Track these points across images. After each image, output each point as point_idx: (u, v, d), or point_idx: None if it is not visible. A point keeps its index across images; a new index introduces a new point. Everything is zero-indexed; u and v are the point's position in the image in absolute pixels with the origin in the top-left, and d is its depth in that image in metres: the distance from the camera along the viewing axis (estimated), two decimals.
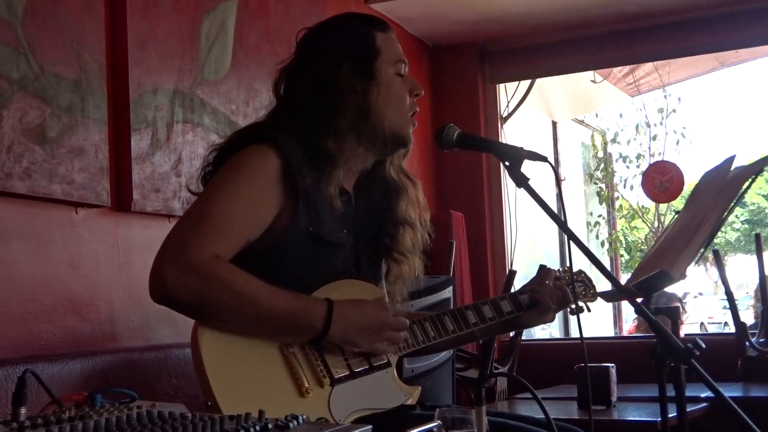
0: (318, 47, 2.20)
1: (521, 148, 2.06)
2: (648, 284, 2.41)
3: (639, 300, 1.90)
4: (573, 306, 2.39)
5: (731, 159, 2.55)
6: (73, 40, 2.73)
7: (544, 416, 1.92)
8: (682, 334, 4.76)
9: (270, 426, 1.38)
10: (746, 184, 2.43)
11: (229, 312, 1.93)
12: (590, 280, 2.57)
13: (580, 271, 2.57)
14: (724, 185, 2.46)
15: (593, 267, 2.12)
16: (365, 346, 2.05)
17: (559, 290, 2.38)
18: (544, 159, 2.05)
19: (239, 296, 1.92)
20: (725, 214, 2.45)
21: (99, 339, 2.79)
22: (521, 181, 2.02)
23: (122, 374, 2.61)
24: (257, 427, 1.35)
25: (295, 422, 1.40)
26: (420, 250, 2.31)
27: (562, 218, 2.03)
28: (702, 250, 2.42)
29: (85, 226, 2.79)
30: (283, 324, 1.97)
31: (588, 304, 2.51)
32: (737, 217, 23.71)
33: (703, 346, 1.80)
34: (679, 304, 7.40)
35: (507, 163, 2.05)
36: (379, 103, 2.13)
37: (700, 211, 2.47)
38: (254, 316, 1.94)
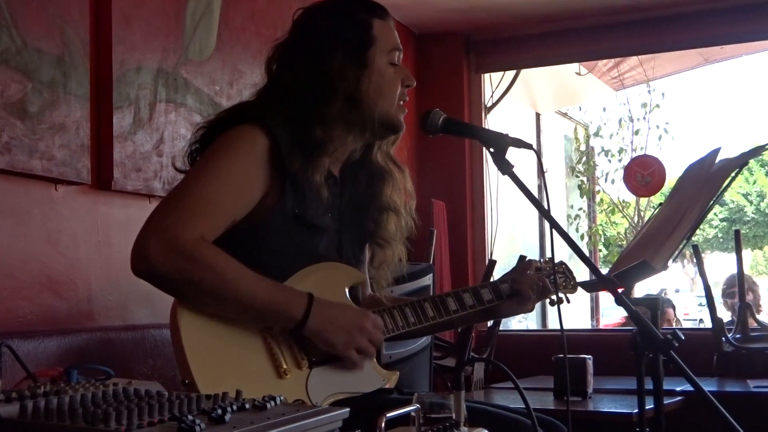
0: (313, 30, 2.17)
1: (506, 135, 2.06)
2: (629, 274, 2.41)
3: (619, 290, 1.90)
4: (553, 297, 2.39)
5: (716, 152, 2.55)
6: (57, 14, 2.70)
7: (521, 405, 1.92)
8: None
9: (247, 406, 1.37)
10: (730, 177, 2.43)
11: (208, 294, 1.91)
12: (570, 272, 2.56)
13: (561, 263, 2.57)
14: (708, 178, 2.46)
15: (574, 257, 2.12)
16: (339, 347, 2.02)
17: (540, 281, 2.38)
18: (529, 146, 2.05)
19: (220, 280, 1.90)
20: (708, 206, 2.45)
21: (76, 317, 2.76)
22: (505, 168, 2.01)
23: (98, 353, 2.59)
24: (234, 407, 1.34)
25: (272, 403, 1.39)
26: (404, 237, 2.30)
27: (545, 207, 2.03)
28: (684, 242, 2.42)
29: (64, 203, 2.76)
30: (261, 312, 1.96)
31: (568, 295, 2.51)
32: (716, 214, 23.87)
33: (683, 337, 1.80)
34: (671, 309, 7.48)
35: (492, 150, 2.05)
36: (369, 92, 2.11)
37: (683, 203, 2.48)
38: (233, 301, 1.93)
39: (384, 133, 2.20)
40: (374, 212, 2.26)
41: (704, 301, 4.41)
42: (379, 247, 2.27)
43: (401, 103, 2.19)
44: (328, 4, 2.23)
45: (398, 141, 2.30)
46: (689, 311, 19.63)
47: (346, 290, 2.14)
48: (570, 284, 2.55)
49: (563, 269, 2.57)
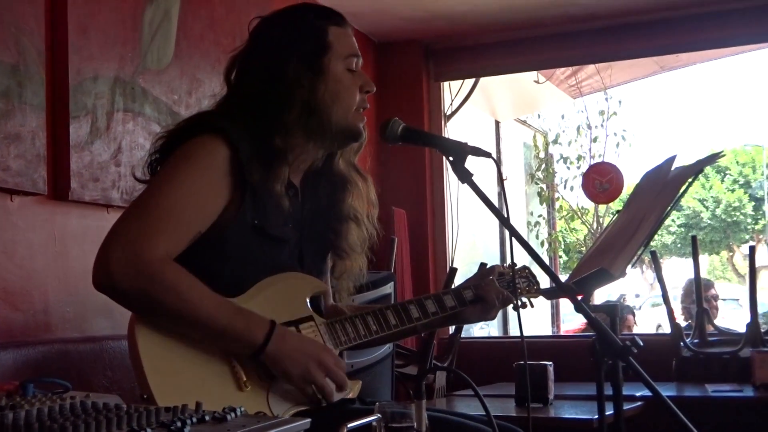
0: (269, 39, 2.16)
1: (465, 144, 2.06)
2: (588, 282, 2.42)
3: (579, 297, 1.91)
4: (516, 302, 2.40)
5: (672, 159, 2.57)
6: (12, 23, 2.66)
7: (483, 413, 1.92)
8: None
9: (207, 418, 1.35)
10: (686, 184, 2.45)
11: (168, 314, 1.90)
12: (534, 276, 2.56)
13: (525, 267, 2.57)
14: (665, 185, 2.49)
15: (534, 264, 2.13)
16: (295, 379, 1.98)
17: (503, 293, 2.39)
18: (487, 155, 2.05)
19: (181, 301, 1.89)
20: (665, 213, 2.47)
21: (32, 329, 2.72)
22: (465, 177, 2.02)
23: (56, 366, 2.56)
24: (194, 419, 1.32)
25: (232, 414, 1.38)
26: (366, 247, 2.30)
27: (505, 215, 2.03)
28: (642, 249, 2.44)
29: (20, 214, 2.72)
30: (220, 336, 1.94)
31: (532, 300, 2.51)
32: (673, 220, 24.18)
33: (642, 344, 1.82)
34: (631, 316, 7.57)
35: (451, 158, 2.05)
36: (326, 99, 2.10)
37: (640, 210, 2.50)
38: (193, 323, 1.91)
39: (343, 140, 2.19)
40: (335, 222, 2.25)
41: (656, 301, 4.46)
42: (340, 257, 2.26)
43: (361, 110, 2.18)
44: (284, 12, 2.22)
45: (361, 150, 2.29)
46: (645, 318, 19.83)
47: (308, 300, 2.13)
48: (533, 289, 2.55)
49: (527, 273, 2.57)
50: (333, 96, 2.12)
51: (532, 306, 2.49)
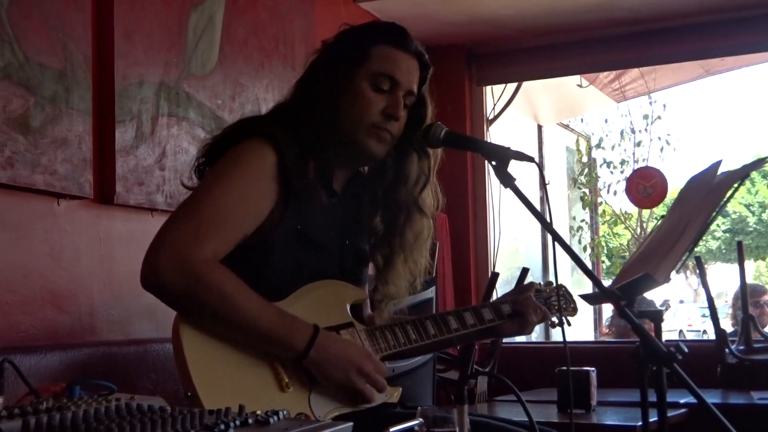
0: (326, 49, 2.20)
1: (508, 148, 2.06)
2: (632, 287, 2.40)
3: (622, 303, 1.89)
4: (554, 320, 2.40)
5: (717, 164, 2.55)
6: (59, 29, 2.71)
7: (524, 418, 1.92)
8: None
9: (250, 421, 1.36)
10: (732, 189, 2.43)
11: (212, 316, 1.92)
12: (570, 295, 2.57)
13: (562, 285, 2.56)
14: (710, 190, 2.46)
15: (577, 269, 2.12)
16: (336, 384, 2.00)
17: (540, 308, 2.38)
18: (530, 159, 2.04)
19: (226, 304, 1.91)
20: (711, 218, 2.44)
21: (78, 332, 2.76)
22: (508, 181, 2.01)
23: (101, 368, 2.58)
24: (237, 422, 1.33)
25: (275, 417, 1.38)
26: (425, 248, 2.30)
27: (548, 220, 2.02)
28: (687, 254, 2.42)
29: (66, 217, 2.76)
30: (263, 340, 1.95)
31: (568, 318, 2.52)
32: (718, 225, 23.91)
33: (686, 350, 1.80)
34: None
35: (494, 163, 2.05)
36: (342, 107, 2.11)
37: (685, 215, 2.47)
38: (237, 325, 1.93)
39: (356, 153, 2.16)
40: (380, 229, 2.26)
41: (708, 312, 4.39)
42: (385, 264, 2.26)
43: (379, 129, 2.13)
44: (361, 25, 2.25)
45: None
46: (692, 322, 19.63)
47: (347, 307, 2.14)
48: (570, 307, 2.56)
49: (563, 292, 2.57)
50: (348, 105, 2.11)
51: (569, 324, 2.49)
